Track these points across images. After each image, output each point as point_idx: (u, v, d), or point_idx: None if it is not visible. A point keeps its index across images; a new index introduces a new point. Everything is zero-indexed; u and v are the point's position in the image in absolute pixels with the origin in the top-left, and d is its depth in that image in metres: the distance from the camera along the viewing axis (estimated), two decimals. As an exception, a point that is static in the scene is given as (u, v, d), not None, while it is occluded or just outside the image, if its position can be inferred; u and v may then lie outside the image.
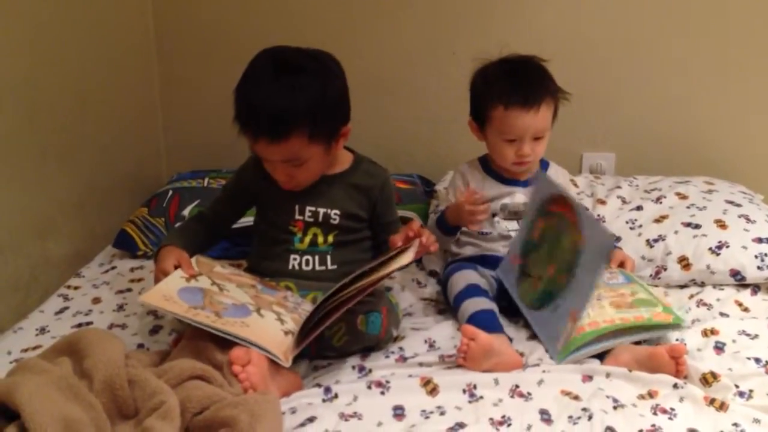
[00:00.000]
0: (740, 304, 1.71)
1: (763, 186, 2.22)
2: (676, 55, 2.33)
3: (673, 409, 1.31)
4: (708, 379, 1.40)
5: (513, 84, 1.72)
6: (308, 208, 1.63)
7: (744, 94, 2.36)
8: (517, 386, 1.37)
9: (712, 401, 1.31)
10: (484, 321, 1.53)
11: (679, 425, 1.27)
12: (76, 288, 1.84)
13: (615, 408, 1.30)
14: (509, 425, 1.26)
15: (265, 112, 1.47)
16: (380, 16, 2.40)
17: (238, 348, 1.32)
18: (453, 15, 2.37)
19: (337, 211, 1.64)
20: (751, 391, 1.37)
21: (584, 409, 1.29)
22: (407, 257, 1.45)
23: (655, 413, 1.30)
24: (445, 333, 1.59)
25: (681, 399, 1.33)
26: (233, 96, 1.53)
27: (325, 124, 1.53)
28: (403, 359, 1.49)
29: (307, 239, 1.64)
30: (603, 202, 2.09)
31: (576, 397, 1.34)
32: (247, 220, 1.77)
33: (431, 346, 1.54)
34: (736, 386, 1.37)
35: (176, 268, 1.52)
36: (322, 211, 1.63)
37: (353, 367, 1.47)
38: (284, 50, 1.55)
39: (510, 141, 1.74)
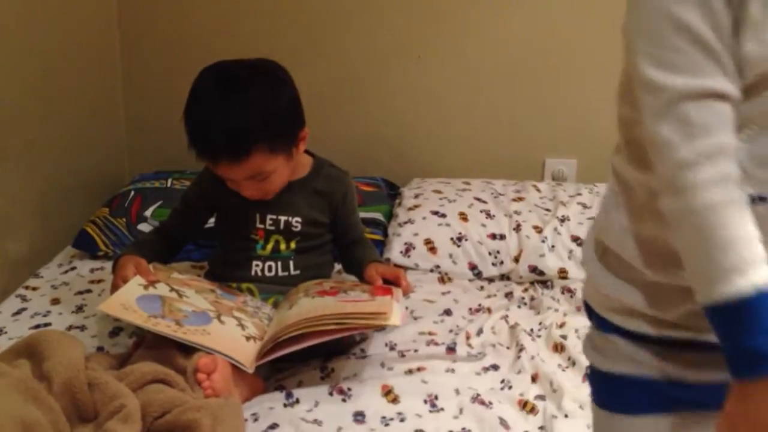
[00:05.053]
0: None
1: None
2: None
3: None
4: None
5: None
6: (269, 216, 1.62)
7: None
8: (478, 395, 1.39)
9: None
10: None
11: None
12: (34, 289, 1.82)
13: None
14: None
15: (222, 133, 1.45)
16: (345, 19, 2.40)
17: (206, 356, 1.31)
18: (418, 19, 2.38)
19: (299, 219, 1.63)
20: None
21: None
22: (395, 315, 1.39)
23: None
24: (406, 336, 1.60)
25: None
26: (183, 120, 1.50)
27: (283, 134, 1.52)
28: (364, 359, 1.51)
29: (269, 246, 1.63)
30: (564, 205, 2.11)
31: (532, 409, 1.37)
32: (211, 221, 1.75)
33: (392, 349, 1.55)
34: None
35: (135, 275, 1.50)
36: (283, 219, 1.62)
37: (315, 368, 1.47)
38: (226, 66, 1.52)
39: None
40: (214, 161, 1.48)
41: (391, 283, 1.56)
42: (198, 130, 1.48)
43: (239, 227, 1.64)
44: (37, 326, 1.62)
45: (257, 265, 1.63)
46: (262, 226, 1.62)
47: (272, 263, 1.63)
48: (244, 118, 1.45)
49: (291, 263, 1.64)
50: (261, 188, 1.56)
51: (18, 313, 1.69)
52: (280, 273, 1.63)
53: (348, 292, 1.50)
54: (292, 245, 1.64)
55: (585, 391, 1.40)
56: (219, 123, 1.45)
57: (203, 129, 1.47)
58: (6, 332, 1.60)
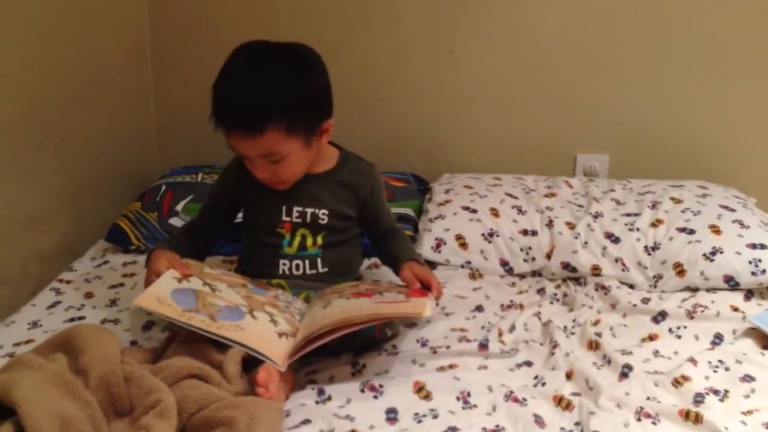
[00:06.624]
0: (735, 309, 1.72)
1: (756, 189, 2.24)
2: (670, 58, 2.34)
3: (657, 414, 1.32)
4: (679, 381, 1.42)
5: None
6: (296, 208, 1.61)
7: (737, 98, 2.37)
8: (511, 392, 1.37)
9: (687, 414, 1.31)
10: None
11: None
12: (68, 282, 1.83)
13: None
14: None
15: (239, 104, 1.44)
16: (376, 14, 2.39)
17: (263, 369, 1.30)
18: (449, 13, 2.37)
19: (325, 211, 1.62)
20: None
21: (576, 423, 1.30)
22: (428, 309, 1.40)
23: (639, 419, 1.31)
24: (437, 332, 1.59)
25: (656, 414, 1.32)
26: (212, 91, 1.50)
27: (303, 118, 1.50)
28: (395, 355, 1.50)
29: (296, 242, 1.62)
30: (597, 201, 2.08)
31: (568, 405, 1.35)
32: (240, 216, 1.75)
33: (423, 345, 1.54)
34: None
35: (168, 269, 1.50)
36: (309, 211, 1.61)
37: (346, 363, 1.46)
38: (262, 43, 1.52)
39: None
40: (228, 131, 1.47)
41: (423, 284, 1.55)
42: (219, 98, 1.48)
43: (265, 220, 1.62)
44: (72, 320, 1.64)
45: (284, 264, 1.62)
46: (288, 218, 1.61)
47: (299, 262, 1.62)
48: (264, 93, 1.44)
49: (319, 261, 1.62)
50: (275, 172, 1.53)
51: (53, 306, 1.71)
52: (308, 271, 1.62)
53: (383, 294, 1.49)
54: (319, 240, 1.62)
55: (622, 389, 1.39)
56: (239, 93, 1.44)
57: (224, 98, 1.47)
58: (41, 325, 1.61)
